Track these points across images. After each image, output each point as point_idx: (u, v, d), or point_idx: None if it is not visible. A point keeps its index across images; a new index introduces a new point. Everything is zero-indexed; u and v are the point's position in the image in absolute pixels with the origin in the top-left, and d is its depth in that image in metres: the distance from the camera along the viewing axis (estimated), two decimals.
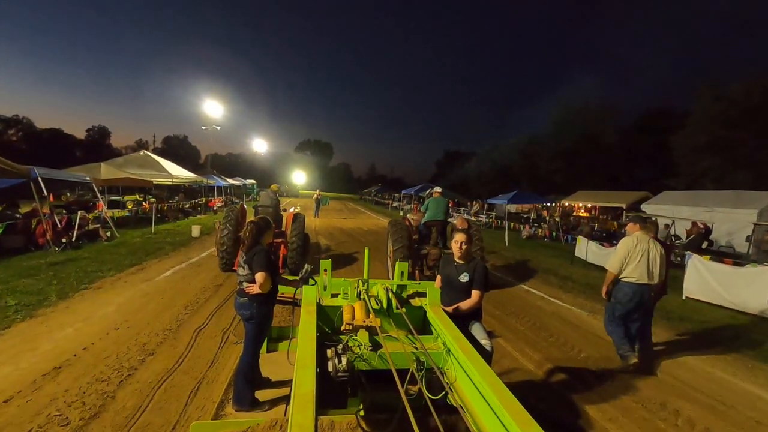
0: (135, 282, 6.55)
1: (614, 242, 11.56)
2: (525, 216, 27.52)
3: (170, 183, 15.66)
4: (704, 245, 11.73)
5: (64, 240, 8.52)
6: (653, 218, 14.46)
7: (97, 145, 70.16)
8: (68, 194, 16.95)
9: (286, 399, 3.18)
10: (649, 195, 23.06)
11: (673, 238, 12.53)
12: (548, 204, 22.33)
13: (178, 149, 76.03)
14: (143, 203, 15.34)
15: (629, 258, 4.14)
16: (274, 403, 3.18)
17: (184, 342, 4.28)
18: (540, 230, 16.78)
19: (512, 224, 16.26)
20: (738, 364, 4.75)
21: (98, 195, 11.23)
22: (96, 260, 7.75)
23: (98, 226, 10.02)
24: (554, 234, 15.79)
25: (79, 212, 9.46)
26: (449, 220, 7.85)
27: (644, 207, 19.70)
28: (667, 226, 13.34)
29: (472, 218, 21.39)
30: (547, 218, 21.21)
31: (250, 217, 7.69)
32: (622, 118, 41.12)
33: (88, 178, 10.69)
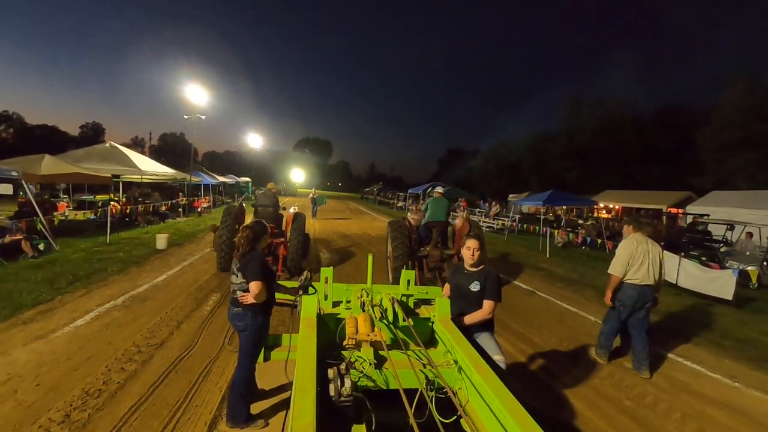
0: (11, 344, 3.94)
1: (707, 259, 9.02)
2: (541, 218, 24.88)
3: (139, 180, 13.04)
4: None
5: None
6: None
7: (91, 142, 68.08)
8: (22, 194, 14.39)
9: (282, 407, 3.03)
10: (691, 195, 20.63)
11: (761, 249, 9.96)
12: (593, 205, 19.66)
13: (174, 146, 74.20)
14: (113, 203, 12.78)
15: (632, 260, 4.10)
16: (270, 416, 2.94)
17: None
18: (575, 235, 14.16)
19: (557, 231, 13.56)
20: None
21: (29, 194, 8.63)
22: None
23: (20, 237, 7.43)
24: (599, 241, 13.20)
25: None
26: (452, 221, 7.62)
27: (690, 209, 17.21)
28: (750, 234, 10.83)
29: (497, 223, 18.78)
30: (581, 222, 18.63)
31: (250, 216, 7.48)
32: (638, 113, 39.02)
33: (14, 173, 8.08)
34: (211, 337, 4.44)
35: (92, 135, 73.66)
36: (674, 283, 7.65)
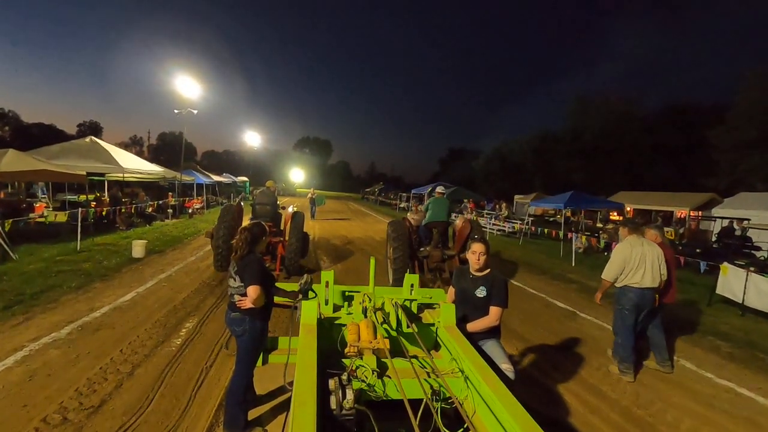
0: None
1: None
2: (550, 219, 23.60)
3: (122, 179, 11.85)
4: None
5: None
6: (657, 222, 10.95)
7: None
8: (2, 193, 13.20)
9: (280, 412, 2.93)
10: (715, 197, 19.44)
11: None
12: (620, 207, 18.26)
13: (173, 145, 73.15)
14: (92, 204, 11.60)
15: (629, 264, 4.04)
16: (268, 421, 2.85)
17: None
18: (598, 240, 12.94)
19: (584, 236, 12.29)
20: None
21: None
22: None
23: None
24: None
25: None
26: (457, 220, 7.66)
27: (717, 211, 16.05)
28: None
29: (513, 226, 17.59)
30: (600, 226, 17.44)
31: (248, 215, 7.47)
32: (646, 111, 38.05)
33: None
34: (173, 390, 3.25)
35: (89, 134, 72.57)
36: (740, 302, 6.46)
